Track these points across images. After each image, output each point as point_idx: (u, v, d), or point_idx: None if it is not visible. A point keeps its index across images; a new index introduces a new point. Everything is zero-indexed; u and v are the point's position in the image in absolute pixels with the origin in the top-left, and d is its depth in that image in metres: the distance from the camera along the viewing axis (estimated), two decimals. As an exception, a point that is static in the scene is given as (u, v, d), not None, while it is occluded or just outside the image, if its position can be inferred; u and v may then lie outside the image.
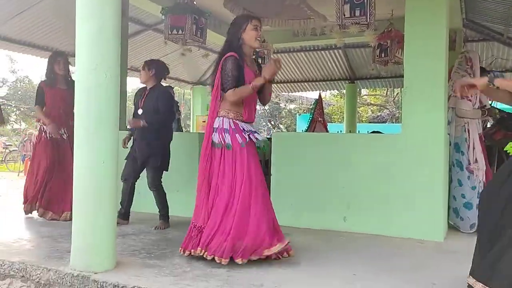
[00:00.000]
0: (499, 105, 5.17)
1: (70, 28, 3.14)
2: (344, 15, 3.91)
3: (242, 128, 3.05)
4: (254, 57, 3.23)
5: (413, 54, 3.99)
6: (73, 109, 2.88)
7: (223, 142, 3.00)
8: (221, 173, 2.99)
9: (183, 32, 5.26)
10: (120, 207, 4.17)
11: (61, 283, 2.67)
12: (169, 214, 4.26)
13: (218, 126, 3.04)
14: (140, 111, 4.20)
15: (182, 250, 3.06)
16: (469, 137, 4.25)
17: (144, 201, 4.45)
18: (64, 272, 2.71)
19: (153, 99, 4.17)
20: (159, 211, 4.25)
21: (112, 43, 2.74)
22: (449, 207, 4.27)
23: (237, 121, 3.05)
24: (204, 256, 2.91)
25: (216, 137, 3.03)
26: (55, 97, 4.61)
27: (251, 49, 3.16)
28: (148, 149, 4.14)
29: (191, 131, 11.03)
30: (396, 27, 5.79)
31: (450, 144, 4.30)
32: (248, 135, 3.05)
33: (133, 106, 4.35)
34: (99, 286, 2.57)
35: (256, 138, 3.08)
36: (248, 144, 3.04)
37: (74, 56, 2.79)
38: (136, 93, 4.46)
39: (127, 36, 5.74)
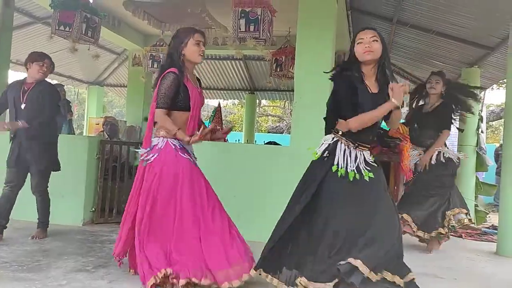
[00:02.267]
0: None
1: None
2: (240, 29, 4.09)
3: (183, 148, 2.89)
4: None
5: (302, 69, 4.25)
6: None
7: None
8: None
9: (71, 30, 4.99)
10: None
11: None
12: (52, 222, 3.98)
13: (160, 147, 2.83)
14: (23, 106, 3.80)
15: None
16: None
17: (21, 208, 4.06)
18: None
19: (35, 94, 3.82)
20: (38, 219, 3.92)
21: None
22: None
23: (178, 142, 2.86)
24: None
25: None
26: None
27: (192, 64, 3.02)
28: (38, 150, 3.79)
29: (84, 133, 10.42)
30: (292, 44, 6.12)
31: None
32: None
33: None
34: (-45, 304, 2.31)
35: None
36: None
37: None
38: (9, 86, 4.01)
39: (11, 27, 5.27)
